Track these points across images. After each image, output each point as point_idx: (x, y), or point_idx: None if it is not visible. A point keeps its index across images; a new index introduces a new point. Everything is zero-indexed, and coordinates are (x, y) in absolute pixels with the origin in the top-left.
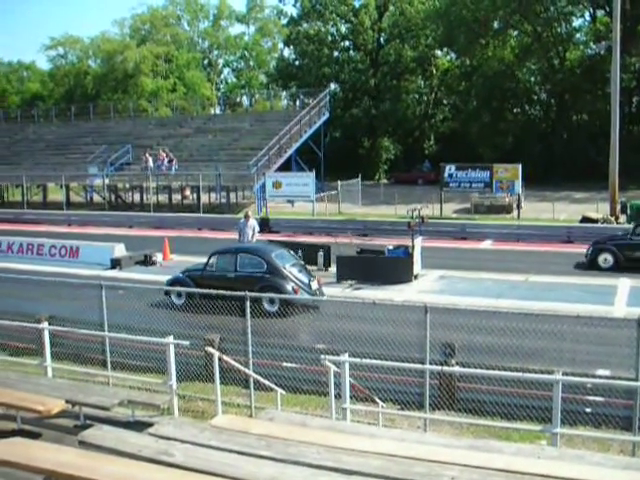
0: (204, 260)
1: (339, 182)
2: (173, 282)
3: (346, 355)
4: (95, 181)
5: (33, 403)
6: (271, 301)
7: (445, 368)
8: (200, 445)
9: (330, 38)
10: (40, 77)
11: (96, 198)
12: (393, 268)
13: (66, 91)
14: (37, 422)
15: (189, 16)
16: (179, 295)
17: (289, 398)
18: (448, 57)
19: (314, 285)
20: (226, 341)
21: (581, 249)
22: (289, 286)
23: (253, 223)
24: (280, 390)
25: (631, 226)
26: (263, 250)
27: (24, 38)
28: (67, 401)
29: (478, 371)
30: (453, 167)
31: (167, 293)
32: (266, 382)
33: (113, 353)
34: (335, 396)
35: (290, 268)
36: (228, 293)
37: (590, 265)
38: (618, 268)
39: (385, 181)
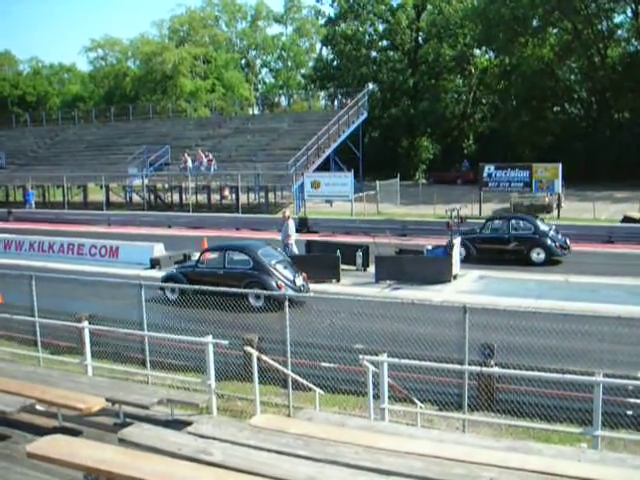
0: None
1: (377, 182)
2: (167, 278)
3: (385, 355)
4: (134, 181)
5: (74, 401)
6: (257, 297)
7: (484, 369)
8: (239, 444)
9: (368, 38)
10: (80, 79)
11: (135, 198)
12: (432, 268)
13: (106, 92)
14: (78, 420)
15: (227, 17)
16: (172, 291)
17: (327, 398)
18: (487, 56)
19: (299, 281)
20: (265, 341)
21: (623, 249)
22: (273, 282)
23: (291, 223)
24: (318, 390)
25: None
26: (249, 247)
27: (65, 40)
28: (107, 399)
29: (517, 372)
30: (492, 167)
31: (162, 289)
32: (304, 382)
33: (152, 352)
34: (373, 396)
35: (275, 265)
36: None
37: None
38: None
39: (424, 181)
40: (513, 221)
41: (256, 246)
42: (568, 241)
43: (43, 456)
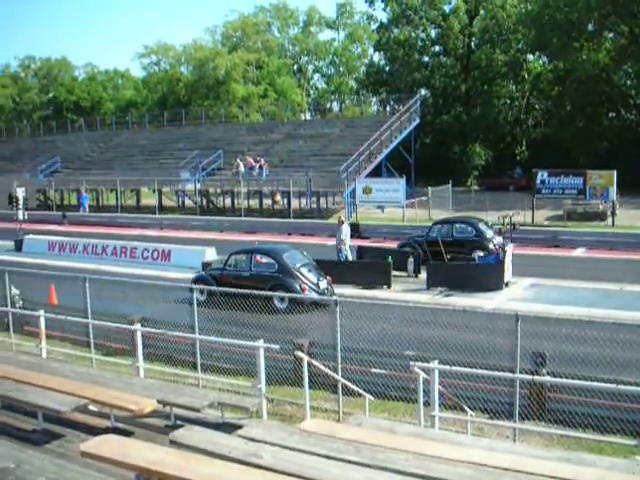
0: None
1: (429, 188)
2: (197, 280)
3: (436, 362)
4: (187, 186)
5: (126, 402)
6: (281, 299)
7: (536, 377)
8: (289, 448)
9: (420, 43)
10: (134, 84)
11: (188, 202)
12: (484, 275)
13: (159, 98)
14: (130, 421)
15: (279, 23)
16: (201, 292)
17: (377, 404)
18: (540, 61)
19: (322, 284)
20: (315, 346)
21: None
22: (297, 285)
23: (345, 228)
24: (368, 396)
25: None
26: (275, 251)
27: (119, 47)
28: (159, 401)
29: (570, 381)
30: (545, 173)
31: (191, 290)
32: (354, 387)
33: (203, 355)
34: (424, 403)
35: (300, 268)
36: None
37: None
38: None
39: (476, 187)
40: (457, 225)
41: (281, 249)
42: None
43: (96, 455)
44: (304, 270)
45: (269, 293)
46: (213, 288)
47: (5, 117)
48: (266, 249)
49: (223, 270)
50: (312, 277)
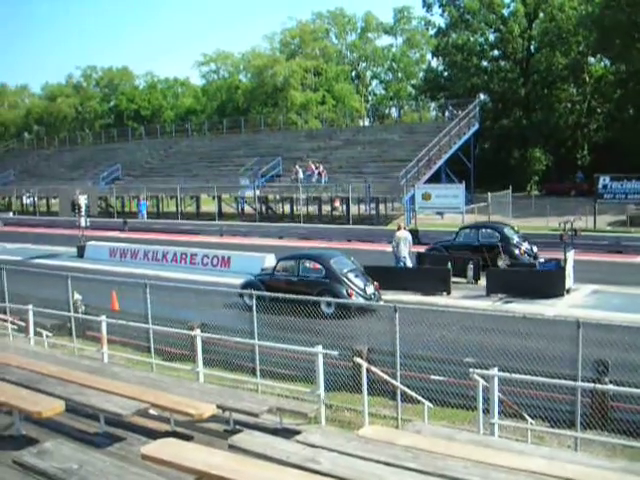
0: None
1: (489, 194)
2: (246, 285)
3: (495, 369)
4: (246, 192)
5: (186, 407)
6: (328, 304)
7: (598, 386)
8: (347, 454)
9: (478, 48)
10: (193, 92)
11: (247, 209)
12: (544, 282)
13: (218, 105)
14: (189, 425)
15: (337, 29)
16: (250, 297)
17: (436, 411)
18: (602, 64)
19: (369, 290)
20: (374, 352)
21: None
22: (344, 290)
23: (403, 234)
24: (427, 403)
25: None
26: (322, 256)
27: (179, 56)
28: (218, 406)
29: (634, 390)
30: (608, 178)
31: (241, 295)
32: (413, 394)
33: (262, 361)
34: (483, 411)
35: (347, 273)
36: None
37: None
38: None
39: (536, 192)
40: (482, 230)
41: (329, 255)
42: (535, 248)
43: (156, 458)
44: (351, 275)
45: (317, 298)
46: (262, 293)
47: (68, 126)
48: (314, 255)
49: (272, 275)
50: (359, 282)
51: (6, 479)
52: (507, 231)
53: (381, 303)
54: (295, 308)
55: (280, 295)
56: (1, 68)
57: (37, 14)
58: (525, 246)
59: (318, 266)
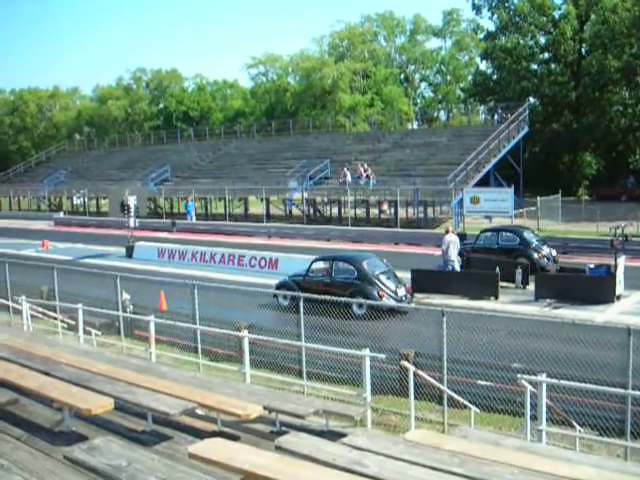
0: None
1: (538, 198)
2: (280, 285)
3: (543, 375)
4: (294, 195)
5: (233, 407)
6: (359, 305)
7: None
8: (393, 458)
9: (528, 50)
10: (242, 94)
11: (295, 211)
12: (594, 288)
13: (267, 107)
14: (236, 425)
15: (386, 32)
16: (285, 297)
17: (482, 416)
18: None
19: (401, 292)
20: (420, 356)
21: None
22: (375, 292)
23: (452, 238)
24: (474, 408)
25: None
26: (355, 258)
27: (228, 58)
28: (265, 407)
29: None
30: None
31: (275, 296)
32: (460, 399)
33: (309, 363)
34: (530, 417)
35: (379, 275)
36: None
37: None
38: None
39: (586, 197)
40: (503, 233)
41: (362, 257)
42: (554, 252)
43: (203, 457)
44: (383, 277)
45: (349, 299)
46: (296, 294)
47: (118, 127)
48: (347, 257)
49: (305, 276)
50: (390, 284)
51: (57, 474)
52: (527, 235)
53: (412, 305)
54: (327, 309)
55: (311, 295)
56: (54, 71)
57: (88, 17)
58: (545, 250)
59: (350, 267)
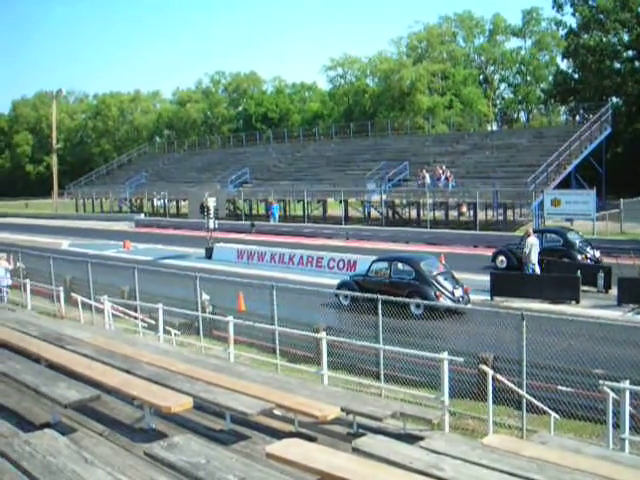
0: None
1: (621, 200)
2: (341, 285)
3: (627, 382)
4: (373, 197)
5: (311, 408)
6: (417, 305)
7: None
8: (470, 462)
9: (611, 48)
10: (320, 97)
11: (373, 213)
12: None
13: (345, 109)
14: (313, 426)
15: (464, 32)
16: (346, 297)
17: (562, 423)
18: None
19: (457, 293)
20: (499, 360)
21: None
22: (432, 292)
23: (533, 240)
24: (553, 414)
25: None
26: (413, 259)
27: (306, 61)
28: (342, 409)
29: None
30: None
31: (337, 295)
32: (539, 404)
33: (386, 366)
34: (613, 425)
35: (437, 276)
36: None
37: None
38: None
39: None
40: (547, 234)
41: (420, 258)
42: (598, 253)
43: (280, 457)
44: (440, 278)
45: (406, 300)
46: (356, 294)
47: (197, 130)
48: (406, 257)
49: (365, 276)
50: (448, 285)
51: (137, 469)
52: (571, 236)
53: (469, 306)
54: (386, 309)
55: (368, 295)
56: (136, 75)
57: (168, 22)
58: (589, 251)
59: (409, 268)
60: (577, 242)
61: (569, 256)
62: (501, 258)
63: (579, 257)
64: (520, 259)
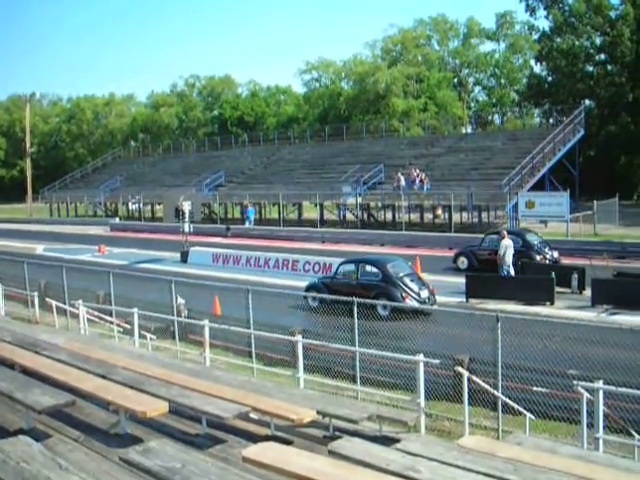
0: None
1: (595, 202)
2: (310, 287)
3: (600, 382)
4: (348, 200)
5: (286, 411)
6: (384, 307)
7: None
8: (446, 464)
9: (584, 52)
10: (295, 100)
11: (349, 216)
12: None
13: (320, 113)
14: (289, 430)
15: (439, 36)
16: (314, 299)
17: (537, 423)
18: None
19: (423, 294)
20: (475, 362)
21: None
22: (398, 293)
23: (508, 242)
24: (529, 414)
25: None
26: (380, 261)
27: (280, 64)
28: (318, 412)
29: None
30: None
31: (305, 297)
32: (515, 405)
33: (362, 368)
34: (587, 425)
35: (403, 277)
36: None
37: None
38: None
39: None
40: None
41: (386, 260)
42: (556, 254)
43: (257, 461)
44: (407, 280)
45: (374, 301)
46: (324, 295)
47: (172, 134)
48: (373, 259)
49: (333, 278)
50: (414, 286)
51: (112, 475)
52: (529, 237)
53: (435, 307)
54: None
55: (335, 297)
56: (110, 78)
57: (142, 26)
58: (547, 252)
59: (375, 270)
60: (536, 243)
61: (528, 256)
62: (462, 259)
63: (537, 258)
64: (481, 260)
